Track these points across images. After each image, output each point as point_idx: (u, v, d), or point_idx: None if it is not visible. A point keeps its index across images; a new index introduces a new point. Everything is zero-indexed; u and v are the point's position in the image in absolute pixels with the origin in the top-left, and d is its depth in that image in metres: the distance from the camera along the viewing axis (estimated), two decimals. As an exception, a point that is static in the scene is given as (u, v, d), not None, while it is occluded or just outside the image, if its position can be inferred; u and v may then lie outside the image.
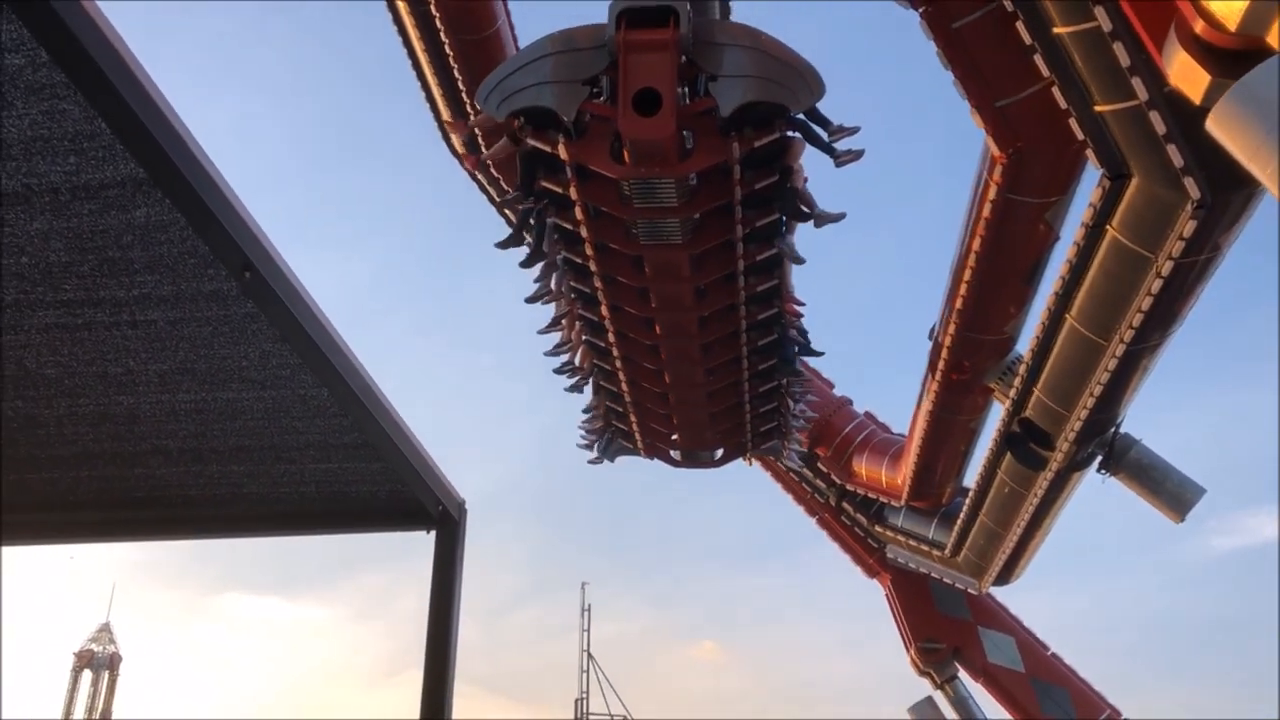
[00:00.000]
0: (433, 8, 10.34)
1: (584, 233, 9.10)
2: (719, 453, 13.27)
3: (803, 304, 10.83)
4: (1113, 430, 11.07)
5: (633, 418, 12.41)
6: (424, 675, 3.06)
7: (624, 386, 11.59)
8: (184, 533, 3.13)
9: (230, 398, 2.74)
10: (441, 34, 10.62)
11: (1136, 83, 7.14)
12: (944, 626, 15.23)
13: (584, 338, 10.97)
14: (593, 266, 9.53)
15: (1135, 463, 11.21)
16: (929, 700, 15.58)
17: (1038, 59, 7.52)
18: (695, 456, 13.26)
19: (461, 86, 11.09)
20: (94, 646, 47.20)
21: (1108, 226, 8.38)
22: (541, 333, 11.03)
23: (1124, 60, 7.05)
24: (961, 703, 15.42)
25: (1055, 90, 7.72)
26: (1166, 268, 8.12)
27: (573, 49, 7.91)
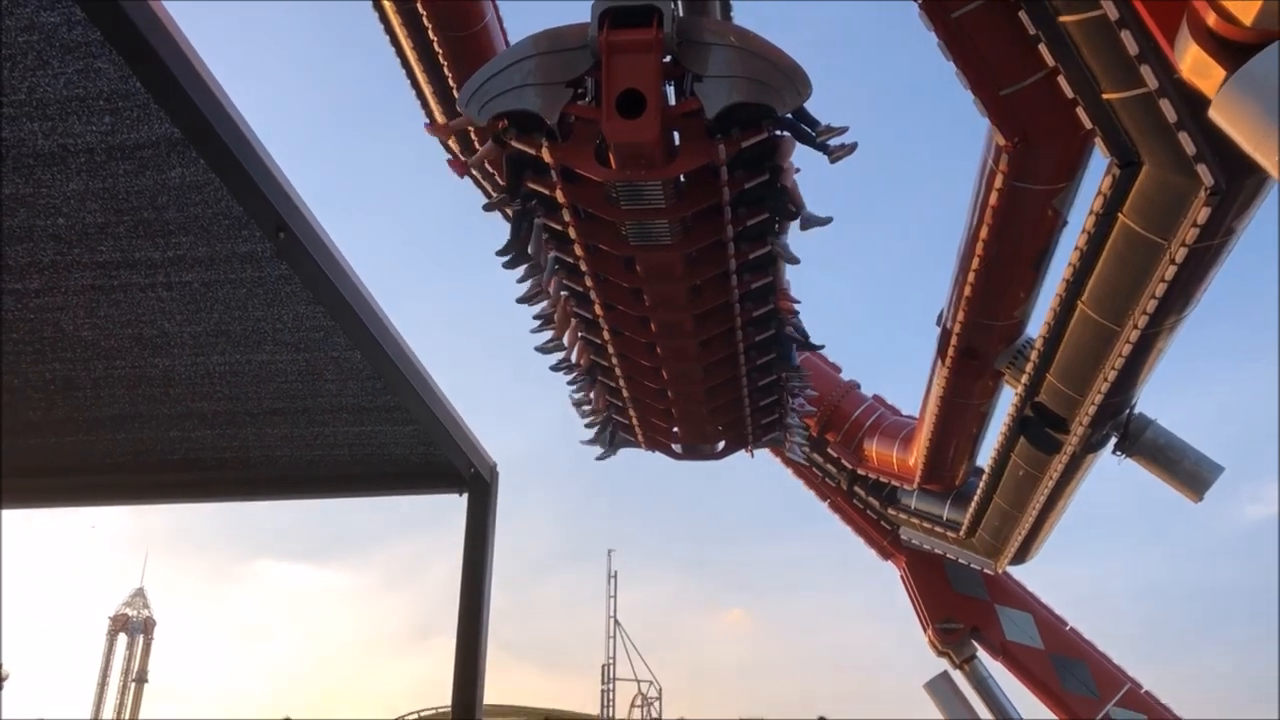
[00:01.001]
0: (419, 5, 10.02)
1: (573, 234, 8.93)
2: (721, 445, 13.10)
3: (798, 301, 10.74)
4: (1127, 412, 11.05)
5: (632, 412, 12.19)
6: (457, 636, 3.05)
7: (621, 383, 11.42)
8: (219, 495, 3.12)
9: (264, 360, 2.72)
10: (430, 31, 10.31)
11: (1146, 71, 6.97)
12: (961, 606, 14.99)
13: (580, 335, 10.93)
14: (584, 267, 9.36)
15: (1151, 443, 10.94)
16: (944, 675, 15.36)
17: (1042, 48, 7.41)
18: (697, 449, 13.03)
19: (452, 84, 10.76)
20: (129, 611, 47.84)
21: (1119, 214, 8.27)
22: (533, 331, 10.99)
23: (1132, 49, 6.89)
24: (981, 683, 15.16)
25: (1061, 79, 7.61)
26: (1180, 254, 7.95)
27: (555, 50, 7.73)
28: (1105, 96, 7.43)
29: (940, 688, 15.14)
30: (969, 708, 15.03)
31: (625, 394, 11.57)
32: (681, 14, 8.33)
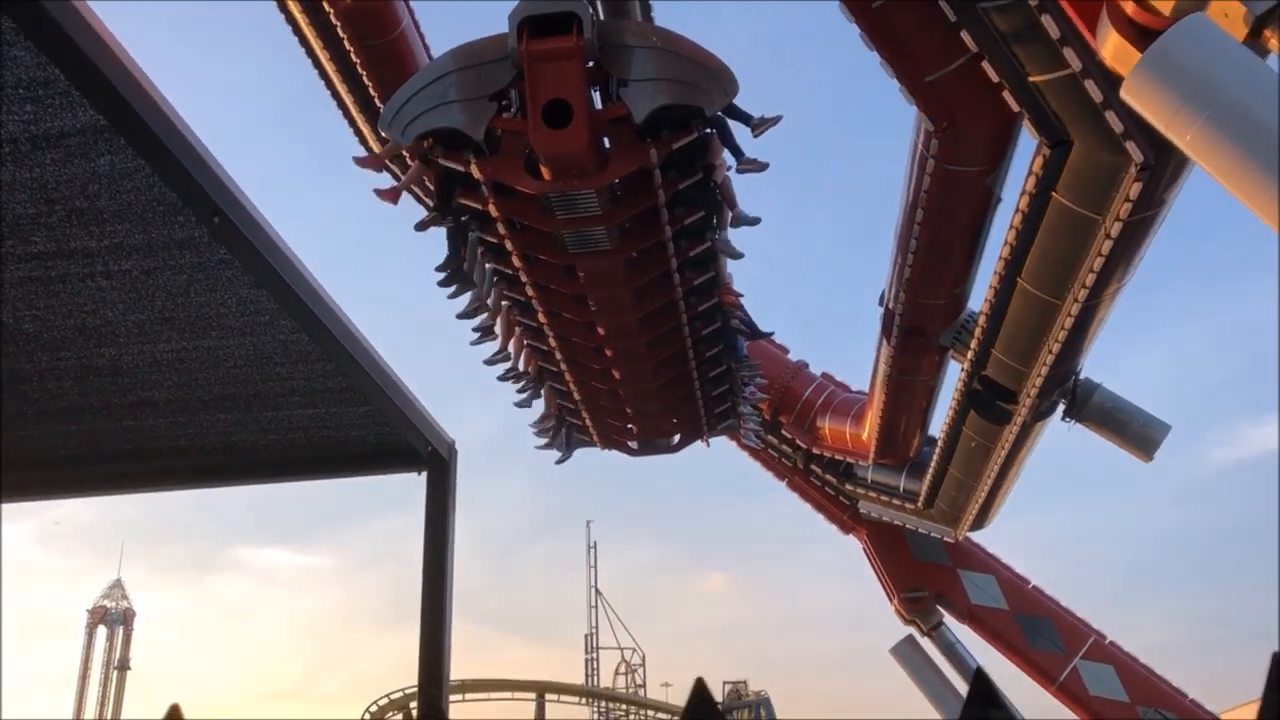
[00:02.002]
0: (332, 16, 9.77)
1: (510, 246, 8.70)
2: (676, 438, 12.72)
3: (740, 294, 10.61)
4: (1073, 379, 10.77)
5: (585, 414, 11.89)
6: (421, 610, 3.01)
7: (572, 386, 11.20)
8: (177, 483, 3.10)
9: (211, 346, 2.68)
10: (346, 42, 10.05)
11: (1069, 53, 6.89)
12: (924, 574, 14.86)
13: (526, 343, 10.79)
14: (524, 278, 9.15)
15: (1099, 407, 10.89)
16: (910, 639, 15.24)
17: (964, 35, 7.31)
18: (653, 444, 12.76)
19: (374, 95, 10.51)
20: (107, 603, 47.99)
21: (1052, 193, 8.17)
22: (474, 344, 10.79)
23: (1054, 32, 6.81)
24: (949, 648, 15.05)
25: (985, 64, 7.50)
26: (1115, 228, 7.86)
27: (475, 64, 7.48)
28: (1031, 79, 7.33)
29: (906, 653, 15.06)
30: (936, 671, 14.91)
31: (577, 397, 11.33)
32: (601, 17, 8.16)
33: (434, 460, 2.94)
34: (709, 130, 7.84)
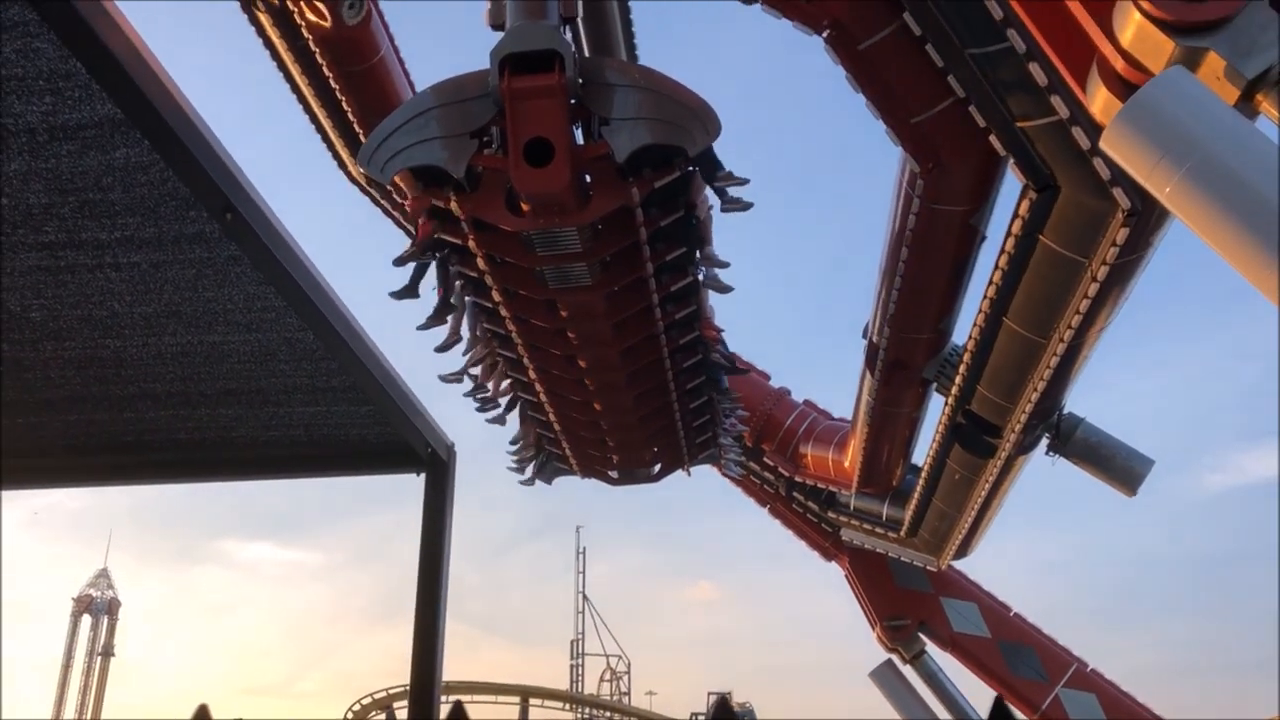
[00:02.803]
0: (310, 43, 9.69)
1: (489, 281, 8.56)
2: (657, 468, 12.46)
3: (721, 329, 10.61)
4: (1057, 414, 10.63)
5: (565, 444, 11.65)
6: (416, 613, 3.03)
7: (552, 417, 11.01)
8: (175, 477, 3.08)
9: (216, 341, 2.68)
10: (325, 69, 9.98)
11: (1056, 100, 6.96)
12: (906, 601, 14.67)
13: (506, 374, 10.74)
14: (503, 312, 9.01)
15: (1083, 442, 10.87)
16: (889, 663, 14.98)
17: (951, 79, 7.37)
18: (633, 474, 12.49)
19: (357, 128, 10.46)
20: (92, 592, 47.57)
21: (1038, 235, 8.21)
22: (445, 380, 10.66)
23: (1041, 80, 6.87)
24: (932, 677, 14.82)
25: (973, 109, 7.55)
26: (1102, 272, 7.88)
27: (456, 100, 7.36)
28: (1018, 125, 7.38)
29: (885, 676, 14.85)
30: (916, 696, 14.73)
31: (557, 427, 11.15)
32: (584, 42, 8.09)
33: (433, 462, 2.95)
34: (691, 168, 7.70)
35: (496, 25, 7.35)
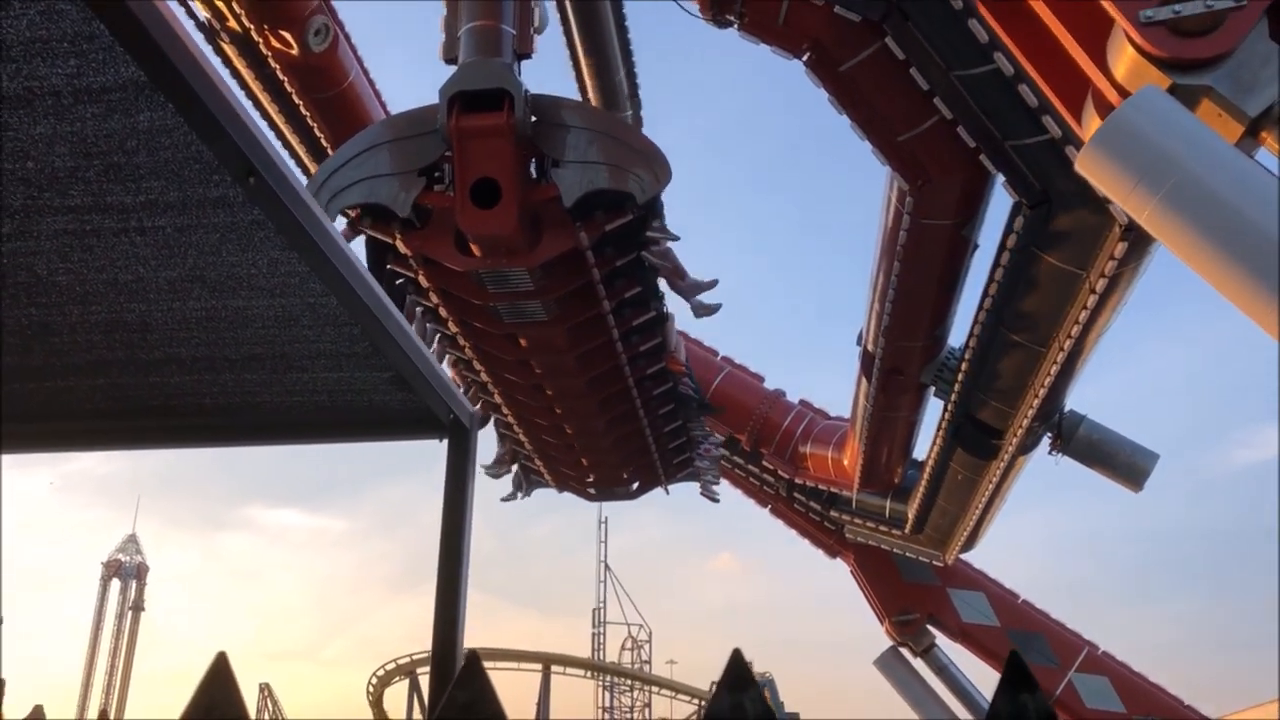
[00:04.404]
0: (279, 71, 9.69)
1: (445, 314, 8.44)
2: (635, 485, 12.37)
3: (685, 366, 10.45)
4: (1058, 414, 10.51)
5: (539, 462, 11.63)
6: (438, 579, 3.03)
7: (523, 437, 10.94)
8: (199, 441, 3.09)
9: (240, 306, 2.67)
10: (295, 96, 10.03)
11: (1047, 120, 6.80)
12: (914, 595, 14.58)
13: (479, 398, 10.62)
14: (462, 341, 8.89)
15: (1085, 440, 10.75)
16: (894, 650, 14.81)
17: (938, 101, 7.18)
18: (611, 491, 12.46)
19: (326, 144, 10.44)
20: (121, 556, 48.53)
21: (1033, 249, 8.06)
22: None
23: (1031, 101, 6.73)
24: (943, 670, 14.69)
25: (961, 130, 7.35)
26: (1100, 284, 7.79)
27: (407, 135, 7.18)
28: (1009, 144, 7.20)
29: (891, 664, 14.61)
30: (922, 682, 14.48)
31: (529, 447, 11.01)
32: (579, 46, 7.76)
33: (456, 428, 2.96)
34: (644, 212, 7.40)
35: (449, 59, 7.12)
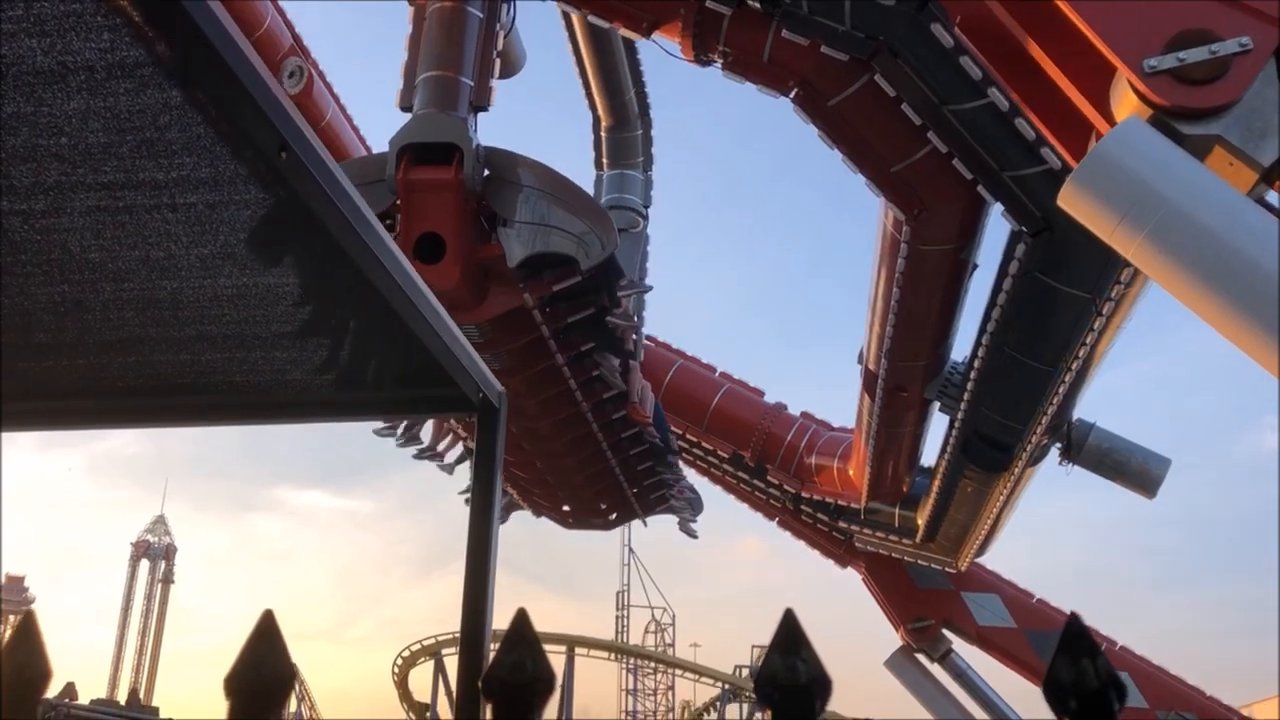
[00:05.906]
0: None
1: None
2: (614, 515, 12.54)
3: (651, 415, 10.41)
4: (1066, 424, 10.36)
5: (513, 492, 11.71)
6: (467, 556, 3.02)
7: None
8: (231, 419, 3.07)
9: (271, 283, 2.64)
10: None
11: (1046, 151, 6.70)
12: (928, 601, 14.32)
13: (448, 432, 10.57)
14: None
15: (1095, 449, 10.61)
16: (905, 649, 14.52)
17: (932, 135, 7.07)
18: (588, 521, 12.55)
19: None
20: (150, 537, 49.12)
21: (1037, 274, 7.97)
22: (378, 433, 10.31)
23: (1029, 134, 6.61)
24: (961, 676, 14.40)
25: (957, 162, 7.25)
26: (1108, 307, 7.73)
27: (357, 184, 7.31)
28: (1007, 174, 7.09)
29: (901, 664, 14.28)
30: (934, 681, 14.10)
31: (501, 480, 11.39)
32: (588, 68, 7.58)
33: (485, 407, 2.95)
34: (593, 274, 7.28)
35: (405, 108, 7.05)
